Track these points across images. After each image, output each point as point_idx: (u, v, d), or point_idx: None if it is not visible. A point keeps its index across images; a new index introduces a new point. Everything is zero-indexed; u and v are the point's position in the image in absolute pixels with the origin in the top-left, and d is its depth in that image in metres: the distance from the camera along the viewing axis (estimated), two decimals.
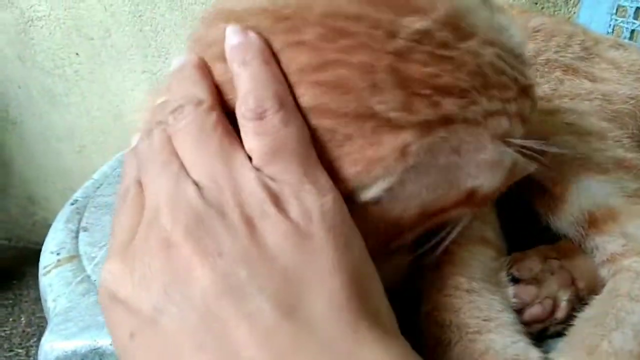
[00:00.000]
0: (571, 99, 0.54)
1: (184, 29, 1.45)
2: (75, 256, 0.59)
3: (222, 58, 0.35)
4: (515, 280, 0.44)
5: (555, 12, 1.10)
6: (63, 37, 1.59)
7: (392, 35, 0.32)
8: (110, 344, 0.45)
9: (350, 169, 0.32)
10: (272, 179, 0.31)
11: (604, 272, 0.45)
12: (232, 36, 0.34)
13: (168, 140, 0.33)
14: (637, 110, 0.55)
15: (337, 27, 0.33)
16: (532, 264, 0.45)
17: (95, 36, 1.56)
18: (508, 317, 0.40)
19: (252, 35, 0.34)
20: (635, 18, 0.83)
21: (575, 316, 0.42)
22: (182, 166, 0.32)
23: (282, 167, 0.31)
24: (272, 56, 0.33)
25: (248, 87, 0.32)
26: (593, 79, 0.58)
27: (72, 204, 0.69)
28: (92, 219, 0.66)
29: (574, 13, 1.06)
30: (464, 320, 0.38)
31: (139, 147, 0.36)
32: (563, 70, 0.59)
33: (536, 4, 1.12)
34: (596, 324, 0.39)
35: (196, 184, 0.31)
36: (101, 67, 1.60)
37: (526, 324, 0.41)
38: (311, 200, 0.30)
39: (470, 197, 0.37)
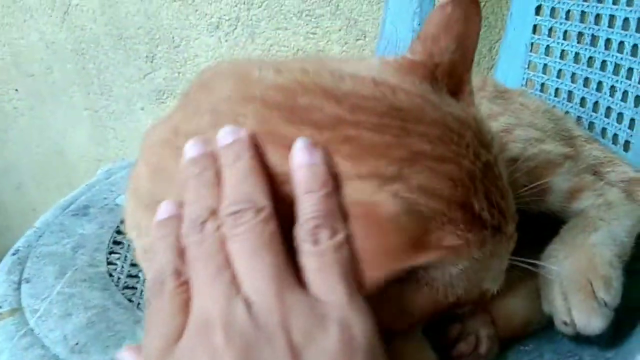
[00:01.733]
0: (513, 118, 0.69)
1: (127, 68, 1.46)
2: (17, 309, 0.60)
3: (284, 146, 0.39)
4: None
5: (480, 60, 1.20)
6: (2, 73, 1.57)
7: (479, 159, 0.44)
8: None
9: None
10: (317, 299, 0.33)
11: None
12: (301, 154, 0.39)
13: (222, 243, 0.34)
14: (551, 130, 0.70)
15: None
16: None
17: (36, 72, 1.55)
18: None
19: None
20: (544, 73, 0.93)
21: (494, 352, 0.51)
22: (235, 278, 0.33)
23: (329, 288, 0.33)
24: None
25: (308, 214, 0.35)
26: (512, 114, 0.70)
27: (14, 254, 0.70)
28: (34, 269, 0.67)
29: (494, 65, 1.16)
30: None
31: (189, 239, 0.36)
32: (488, 100, 0.71)
33: None
34: (577, 230, 0.57)
35: (247, 299, 0.33)
36: (42, 103, 1.59)
37: (455, 358, 0.49)
38: (357, 326, 0.33)
39: (481, 297, 0.47)
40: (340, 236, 0.35)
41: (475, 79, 0.72)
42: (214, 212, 0.36)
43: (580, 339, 0.51)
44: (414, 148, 0.42)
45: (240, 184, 0.36)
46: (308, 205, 0.36)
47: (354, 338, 0.32)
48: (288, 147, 0.41)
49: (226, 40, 1.35)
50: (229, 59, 1.26)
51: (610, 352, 0.50)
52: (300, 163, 0.38)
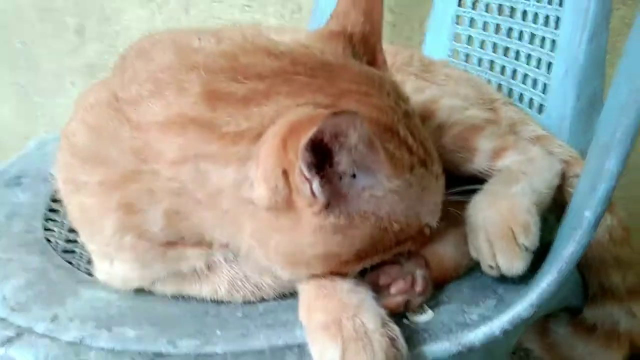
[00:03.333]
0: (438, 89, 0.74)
1: (55, 41, 1.41)
2: None
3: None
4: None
5: (412, 34, 1.25)
6: None
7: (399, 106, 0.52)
8: None
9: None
10: None
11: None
12: None
13: None
14: (474, 98, 0.76)
15: None
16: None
17: None
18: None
19: None
20: (468, 44, 0.99)
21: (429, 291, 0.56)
22: None
23: None
24: None
25: None
26: (437, 84, 0.76)
27: None
28: None
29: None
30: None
31: None
32: (415, 76, 0.76)
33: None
34: (501, 182, 0.62)
35: None
36: None
37: (393, 295, 0.53)
38: None
39: (420, 233, 0.53)
40: None
41: (404, 54, 0.79)
42: None
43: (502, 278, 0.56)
44: (342, 87, 0.49)
45: None
46: None
47: None
48: (237, 99, 0.48)
49: (160, 13, 1.33)
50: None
51: (521, 284, 0.56)
52: None
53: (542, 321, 0.71)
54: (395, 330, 0.49)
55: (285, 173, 0.45)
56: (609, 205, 0.51)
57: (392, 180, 0.48)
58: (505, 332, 0.52)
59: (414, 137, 0.51)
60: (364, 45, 0.56)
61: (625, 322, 0.68)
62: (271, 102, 0.48)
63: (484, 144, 0.66)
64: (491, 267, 0.56)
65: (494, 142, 0.67)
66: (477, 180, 0.65)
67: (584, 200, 0.51)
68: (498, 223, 0.57)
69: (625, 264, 0.69)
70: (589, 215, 0.50)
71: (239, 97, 0.48)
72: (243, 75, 0.49)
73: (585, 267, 0.69)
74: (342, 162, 0.45)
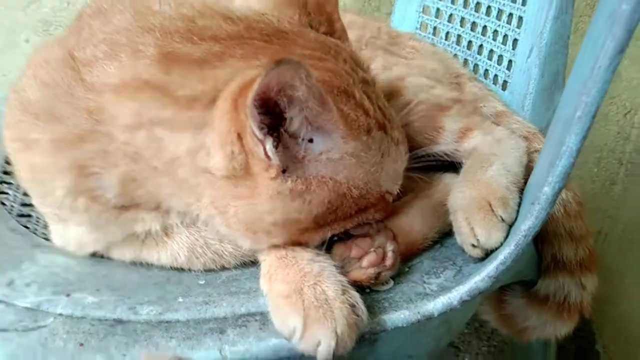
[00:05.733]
0: (405, 67, 0.74)
1: None
2: None
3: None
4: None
5: (380, 5, 1.24)
6: None
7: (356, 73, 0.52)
8: None
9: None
10: None
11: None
12: None
13: None
14: (440, 74, 0.77)
15: None
16: (365, 226, 0.57)
17: None
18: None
19: None
20: (437, 17, 0.99)
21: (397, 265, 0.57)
22: None
23: None
24: None
25: None
26: (405, 58, 0.77)
27: None
28: None
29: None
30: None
31: None
32: (383, 51, 0.75)
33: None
34: (476, 166, 0.62)
35: None
36: None
37: (364, 268, 0.54)
38: None
39: (381, 201, 0.53)
40: None
41: (372, 27, 0.78)
42: None
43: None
44: (297, 52, 0.49)
45: None
46: None
47: None
48: (191, 61, 0.48)
49: None
50: None
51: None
52: None
53: (497, 293, 0.73)
54: (356, 297, 0.50)
55: (239, 137, 0.45)
56: (568, 178, 0.53)
57: (349, 141, 0.48)
58: (463, 303, 0.53)
59: (371, 101, 0.51)
60: (320, 14, 0.56)
61: (575, 293, 0.71)
62: (225, 65, 0.47)
63: (450, 124, 0.67)
64: (474, 245, 0.57)
65: (460, 122, 0.68)
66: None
67: (543, 176, 0.53)
68: (476, 199, 0.58)
69: (578, 238, 0.71)
70: (547, 190, 0.52)
71: (194, 58, 0.48)
72: (199, 37, 0.49)
73: (539, 240, 0.71)
74: (295, 120, 0.45)
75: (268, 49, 0.48)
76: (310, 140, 0.47)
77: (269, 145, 0.45)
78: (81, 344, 0.47)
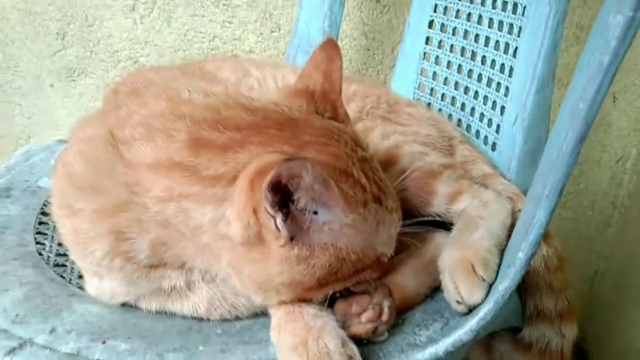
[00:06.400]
0: (401, 135, 0.83)
1: (36, 43, 1.44)
2: None
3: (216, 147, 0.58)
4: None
5: (383, 58, 1.33)
6: None
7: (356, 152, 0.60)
8: None
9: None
10: None
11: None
12: None
13: None
14: (434, 138, 0.86)
15: None
16: (364, 283, 0.65)
17: None
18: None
19: None
20: (434, 79, 1.08)
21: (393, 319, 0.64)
22: None
23: None
24: None
25: None
26: (402, 125, 0.86)
27: None
28: None
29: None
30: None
31: None
32: (382, 119, 0.85)
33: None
34: (463, 230, 0.70)
35: None
36: None
37: (363, 323, 0.61)
38: None
39: (377, 262, 0.61)
40: None
41: (372, 97, 0.89)
42: None
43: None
44: (305, 139, 0.58)
45: None
46: None
47: None
48: (216, 147, 0.56)
49: (142, 23, 1.37)
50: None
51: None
52: None
53: (486, 339, 0.80)
54: (354, 349, 0.58)
55: (255, 211, 0.54)
56: (539, 246, 0.60)
57: (348, 214, 0.56)
58: (449, 353, 0.61)
59: (368, 178, 0.60)
60: (325, 101, 0.66)
61: (556, 341, 0.78)
62: (245, 150, 0.56)
63: (442, 188, 0.76)
64: (458, 302, 0.64)
65: (451, 186, 0.76)
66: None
67: (518, 243, 0.60)
68: (461, 260, 0.66)
69: (558, 290, 0.78)
70: (521, 256, 0.60)
71: (219, 144, 0.57)
72: (224, 126, 0.58)
73: (522, 292, 0.79)
74: (301, 200, 0.54)
75: (281, 136, 0.58)
76: (315, 213, 0.56)
77: (279, 219, 0.53)
78: None
